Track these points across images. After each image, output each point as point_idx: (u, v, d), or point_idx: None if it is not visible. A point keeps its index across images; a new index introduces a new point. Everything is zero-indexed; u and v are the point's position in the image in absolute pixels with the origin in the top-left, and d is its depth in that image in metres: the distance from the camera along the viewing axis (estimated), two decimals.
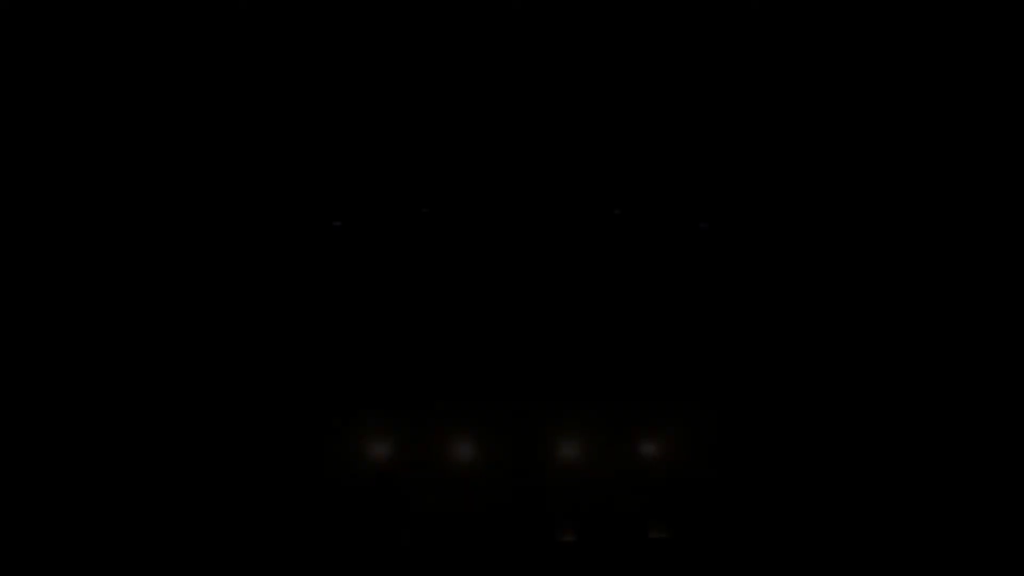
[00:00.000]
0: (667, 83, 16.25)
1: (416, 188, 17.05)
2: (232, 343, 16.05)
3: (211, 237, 16.01)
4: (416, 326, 16.16)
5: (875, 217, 16.03)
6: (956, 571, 11.13)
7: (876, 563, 11.31)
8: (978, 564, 11.08)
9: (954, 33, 15.21)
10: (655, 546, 11.94)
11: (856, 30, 15.58)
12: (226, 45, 15.89)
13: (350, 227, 17.23)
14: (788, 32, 15.94)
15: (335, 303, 16.73)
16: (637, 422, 15.66)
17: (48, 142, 15.15)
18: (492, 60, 16.54)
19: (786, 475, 13.87)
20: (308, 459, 14.63)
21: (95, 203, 15.42)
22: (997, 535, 11.62)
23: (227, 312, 16.26)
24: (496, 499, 14.10)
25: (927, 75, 15.54)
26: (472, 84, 16.51)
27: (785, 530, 12.19)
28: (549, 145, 16.58)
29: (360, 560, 13.08)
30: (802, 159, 16.14)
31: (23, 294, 14.73)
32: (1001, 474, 12.77)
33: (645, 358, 16.32)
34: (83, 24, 15.07)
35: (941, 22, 15.23)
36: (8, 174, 14.97)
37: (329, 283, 16.80)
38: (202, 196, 15.92)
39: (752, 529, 12.48)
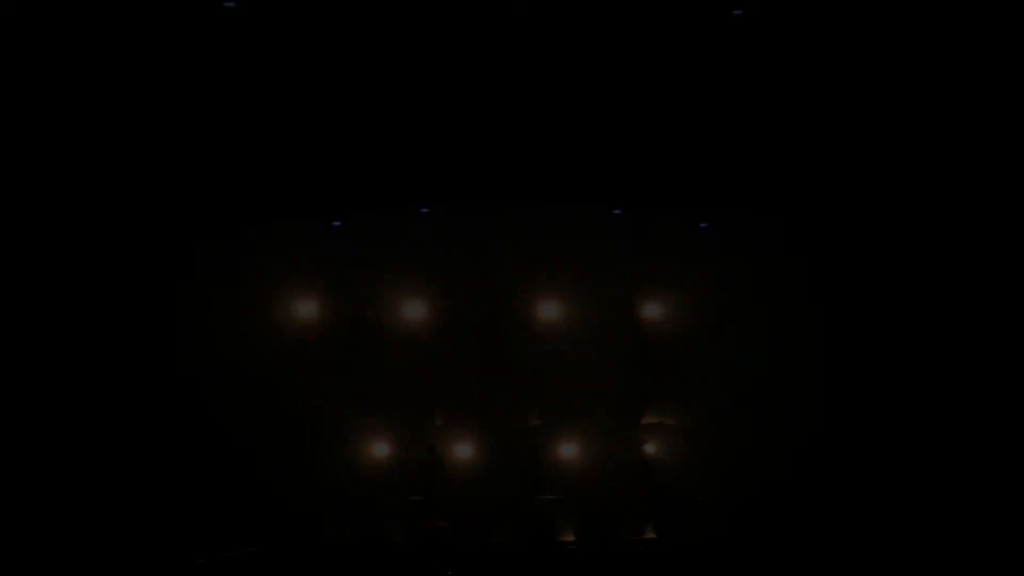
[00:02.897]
0: (667, 85, 16.24)
1: (416, 188, 17.04)
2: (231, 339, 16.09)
3: (212, 236, 16.02)
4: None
5: (873, 217, 16.02)
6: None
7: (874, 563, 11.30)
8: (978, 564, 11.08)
9: (951, 36, 15.20)
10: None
11: (854, 33, 15.56)
12: (228, 48, 15.87)
13: (350, 227, 17.23)
14: (787, 35, 15.92)
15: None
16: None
17: (47, 142, 15.15)
18: (492, 61, 16.49)
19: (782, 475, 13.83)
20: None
21: (102, 202, 15.43)
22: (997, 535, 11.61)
23: (227, 309, 16.29)
24: None
25: (924, 77, 15.51)
26: (472, 85, 16.46)
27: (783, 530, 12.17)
28: (550, 144, 16.55)
29: None
30: (800, 160, 16.14)
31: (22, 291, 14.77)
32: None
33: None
34: (87, 26, 15.07)
35: (938, 24, 15.21)
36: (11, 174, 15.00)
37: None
38: (202, 196, 15.92)
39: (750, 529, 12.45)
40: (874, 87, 15.56)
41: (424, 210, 17.11)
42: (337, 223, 17.08)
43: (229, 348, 15.84)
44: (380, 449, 14.74)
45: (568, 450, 14.90)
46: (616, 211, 17.04)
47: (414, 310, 16.24)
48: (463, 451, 14.76)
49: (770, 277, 16.13)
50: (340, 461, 14.43)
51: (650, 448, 14.68)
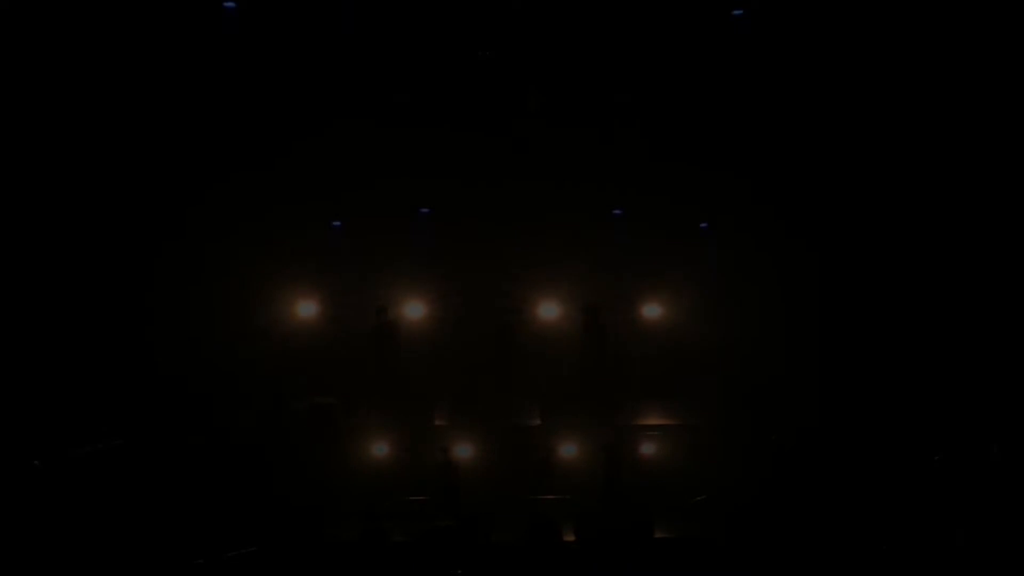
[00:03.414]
0: (668, 85, 16.24)
1: (416, 188, 17.05)
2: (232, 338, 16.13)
3: (213, 235, 16.05)
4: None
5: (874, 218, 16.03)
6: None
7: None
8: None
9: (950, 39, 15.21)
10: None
11: (854, 35, 15.57)
12: (228, 48, 15.89)
13: (350, 227, 17.24)
14: (787, 37, 15.94)
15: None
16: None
17: (50, 140, 15.18)
18: (492, 61, 16.49)
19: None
20: None
21: (102, 200, 15.48)
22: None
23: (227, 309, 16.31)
24: None
25: (922, 83, 15.53)
26: (473, 83, 16.46)
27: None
28: (551, 145, 16.55)
29: None
30: (802, 160, 16.15)
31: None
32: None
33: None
34: (87, 28, 15.10)
35: (938, 27, 15.23)
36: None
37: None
38: (201, 196, 15.94)
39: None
40: (874, 89, 15.60)
41: (424, 210, 17.13)
42: (337, 223, 17.10)
43: (229, 347, 15.87)
44: (380, 449, 14.72)
45: (568, 450, 14.87)
46: (616, 211, 17.07)
47: (415, 310, 16.26)
48: (472, 451, 14.70)
49: (769, 277, 16.15)
50: (341, 461, 14.40)
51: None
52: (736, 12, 15.94)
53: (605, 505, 13.54)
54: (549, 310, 16.16)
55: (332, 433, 14.50)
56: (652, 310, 16.70)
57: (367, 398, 15.37)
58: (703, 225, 17.00)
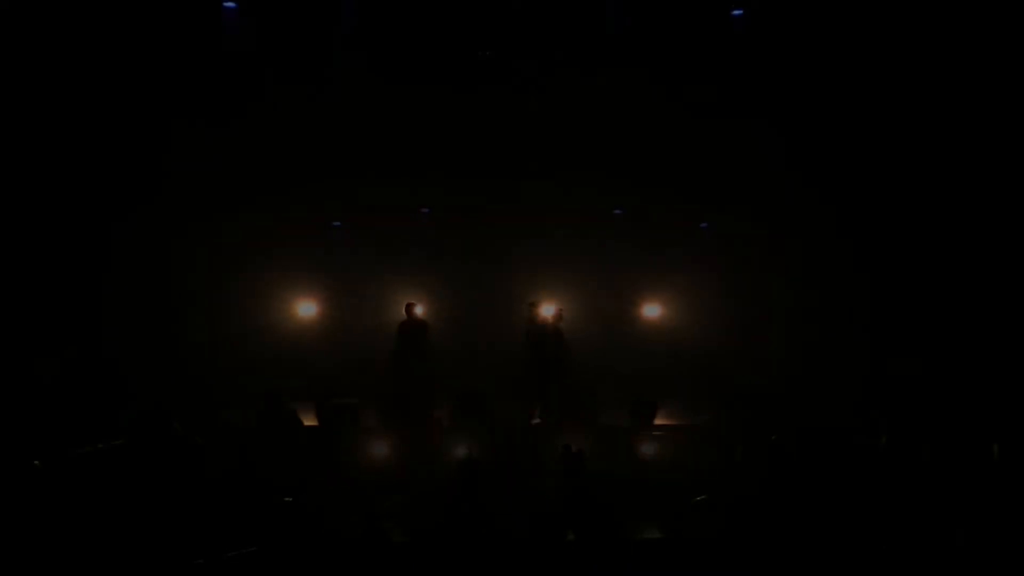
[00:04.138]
0: (668, 85, 16.27)
1: (416, 188, 17.08)
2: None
3: (212, 234, 16.08)
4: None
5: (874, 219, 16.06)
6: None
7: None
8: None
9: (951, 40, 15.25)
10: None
11: (854, 36, 15.61)
12: (228, 48, 15.93)
13: (350, 227, 17.27)
14: (786, 38, 15.98)
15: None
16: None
17: (53, 140, 15.22)
18: (492, 62, 16.53)
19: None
20: None
21: (106, 198, 15.54)
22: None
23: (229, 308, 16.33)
24: None
25: (919, 85, 15.57)
26: (473, 87, 16.50)
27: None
28: (552, 145, 16.57)
29: None
30: (802, 159, 16.18)
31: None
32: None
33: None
34: (84, 27, 15.13)
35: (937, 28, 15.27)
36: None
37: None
38: (201, 196, 15.97)
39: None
40: (874, 90, 15.64)
41: (425, 210, 17.15)
42: (337, 223, 17.12)
43: (229, 347, 15.89)
44: (380, 449, 14.69)
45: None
46: (617, 211, 17.10)
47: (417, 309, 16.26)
48: (473, 451, 14.61)
49: (770, 276, 16.18)
50: (348, 461, 14.38)
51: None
52: (736, 12, 16.01)
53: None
54: (549, 310, 16.16)
55: (352, 433, 14.48)
56: (652, 310, 16.74)
57: (379, 397, 15.28)
58: (703, 225, 17.03)
